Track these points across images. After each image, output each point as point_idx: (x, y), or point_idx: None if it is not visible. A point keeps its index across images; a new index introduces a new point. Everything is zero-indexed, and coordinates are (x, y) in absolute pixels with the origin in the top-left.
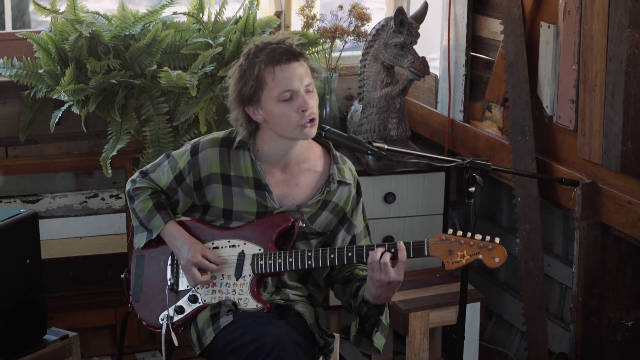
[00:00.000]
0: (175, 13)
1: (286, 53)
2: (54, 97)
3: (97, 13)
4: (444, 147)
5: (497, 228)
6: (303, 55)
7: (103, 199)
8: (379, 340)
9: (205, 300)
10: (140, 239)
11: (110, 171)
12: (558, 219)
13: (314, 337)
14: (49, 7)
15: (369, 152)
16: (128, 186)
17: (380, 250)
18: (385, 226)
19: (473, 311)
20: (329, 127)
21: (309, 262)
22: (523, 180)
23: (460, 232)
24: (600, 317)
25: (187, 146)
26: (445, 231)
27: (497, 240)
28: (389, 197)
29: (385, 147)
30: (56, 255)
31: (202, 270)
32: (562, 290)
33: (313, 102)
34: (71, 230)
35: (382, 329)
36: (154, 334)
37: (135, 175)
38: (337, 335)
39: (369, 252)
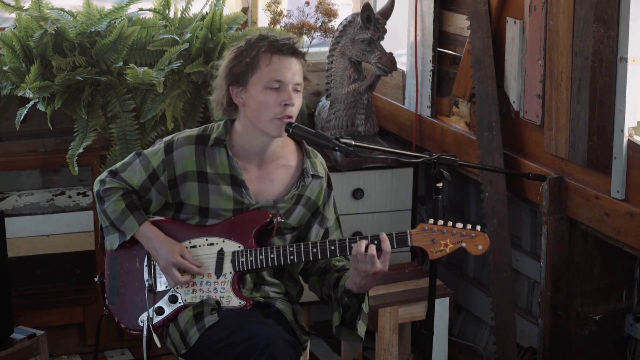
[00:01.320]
0: (141, 9)
1: (288, 47)
2: (19, 95)
3: (62, 10)
4: (411, 142)
5: (465, 223)
6: (303, 56)
7: (70, 197)
8: (362, 328)
9: (185, 300)
10: (112, 241)
11: (77, 169)
12: (526, 214)
13: (295, 334)
14: (13, 3)
15: (337, 148)
16: (97, 187)
17: (364, 242)
18: (354, 222)
19: (442, 306)
20: (296, 124)
21: (291, 257)
22: (490, 175)
23: (441, 222)
24: (568, 312)
25: (159, 144)
26: (414, 227)
27: (478, 228)
28: (358, 193)
29: (353, 143)
30: (23, 254)
31: (182, 270)
32: (531, 284)
33: (296, 102)
34: (38, 228)
35: (363, 317)
36: (122, 332)
37: (104, 175)
38: (310, 334)
39: (352, 245)
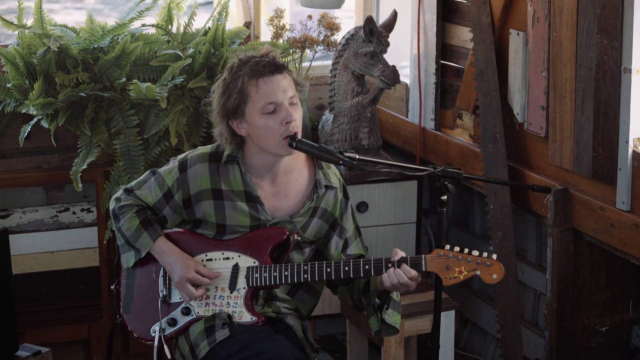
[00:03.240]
0: (143, 25)
1: (269, 65)
2: (22, 111)
3: (65, 26)
4: (415, 155)
5: (470, 235)
6: (286, 67)
7: (74, 213)
8: (392, 317)
9: (198, 313)
10: (128, 258)
11: (80, 185)
12: (531, 226)
13: (305, 350)
14: (15, 21)
15: (341, 162)
16: (112, 205)
17: (405, 269)
18: None
19: (448, 319)
20: (299, 138)
21: (305, 276)
22: (495, 187)
23: (457, 248)
24: (575, 323)
25: (174, 163)
26: (418, 240)
27: (494, 256)
28: (362, 207)
29: (357, 157)
30: (27, 271)
31: (196, 284)
32: (536, 296)
33: (297, 115)
34: (42, 245)
35: (394, 304)
36: (127, 347)
37: (119, 193)
38: (318, 351)
39: (369, 267)
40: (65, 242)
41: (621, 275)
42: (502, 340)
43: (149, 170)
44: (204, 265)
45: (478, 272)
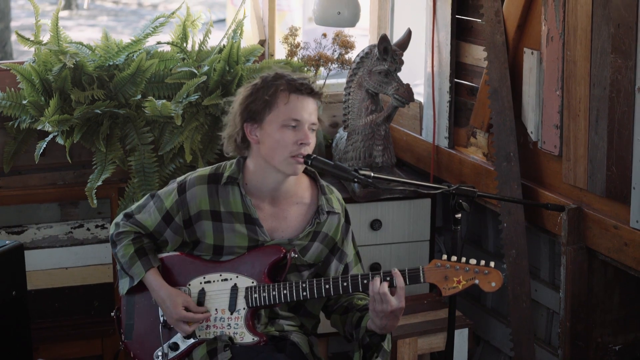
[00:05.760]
0: (159, 43)
1: (306, 86)
2: (38, 128)
3: (81, 43)
4: (429, 173)
5: (484, 254)
6: (320, 97)
7: (88, 229)
8: None
9: (200, 336)
10: (123, 285)
11: (95, 201)
12: (544, 244)
13: None
14: (32, 38)
15: (355, 179)
16: (111, 230)
17: (377, 279)
18: (372, 253)
19: (461, 337)
20: (315, 156)
21: (304, 294)
22: (509, 206)
23: (454, 258)
24: (588, 342)
25: (173, 184)
26: (432, 258)
27: (492, 264)
28: (376, 224)
29: (372, 174)
30: (42, 286)
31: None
32: (550, 315)
33: (312, 141)
34: (57, 261)
35: (383, 354)
36: None
37: (119, 218)
38: None
39: (366, 281)
40: (80, 258)
41: (635, 294)
42: (515, 358)
43: (148, 194)
44: (202, 288)
45: (477, 281)
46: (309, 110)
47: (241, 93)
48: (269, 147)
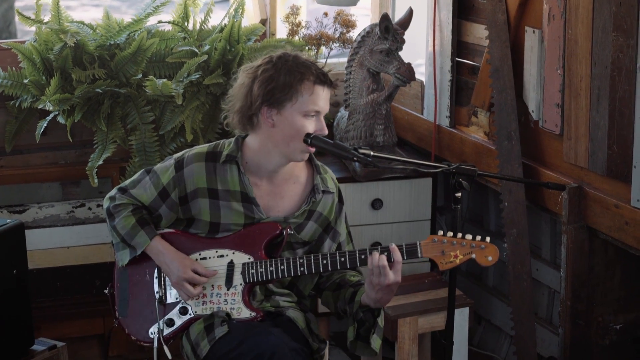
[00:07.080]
0: (160, 22)
1: (328, 78)
2: (39, 107)
3: (82, 22)
4: (430, 152)
5: (485, 233)
6: (335, 87)
7: (90, 209)
8: (376, 342)
9: (196, 312)
10: (123, 256)
11: (96, 180)
12: (545, 223)
13: (308, 342)
14: (33, 17)
15: (356, 159)
16: (106, 204)
17: (375, 253)
18: (373, 232)
19: (461, 316)
20: (314, 134)
21: (302, 269)
22: (510, 185)
23: (450, 233)
24: (589, 321)
25: (170, 161)
26: None
27: (487, 239)
28: (376, 204)
29: (372, 153)
30: (43, 265)
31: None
32: (551, 294)
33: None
34: (58, 240)
35: (378, 331)
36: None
37: (113, 192)
38: (327, 342)
39: (363, 256)
40: (81, 237)
41: (635, 273)
42: (516, 337)
43: (143, 169)
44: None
45: (473, 256)
46: (327, 100)
47: (260, 69)
48: (285, 134)
